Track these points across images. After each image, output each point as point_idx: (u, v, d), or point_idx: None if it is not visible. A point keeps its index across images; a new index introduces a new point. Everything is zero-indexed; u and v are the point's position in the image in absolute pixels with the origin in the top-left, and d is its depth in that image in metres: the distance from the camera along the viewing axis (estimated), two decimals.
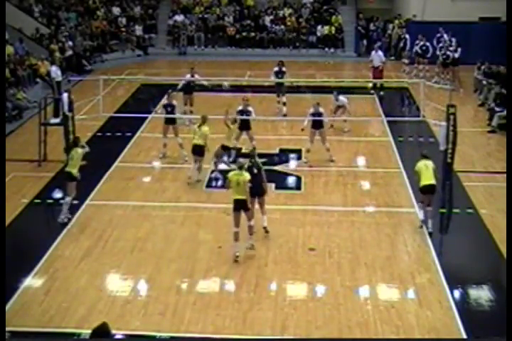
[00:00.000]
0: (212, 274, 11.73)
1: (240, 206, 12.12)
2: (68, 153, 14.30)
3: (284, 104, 20.21)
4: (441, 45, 24.79)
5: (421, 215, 13.43)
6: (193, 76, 19.59)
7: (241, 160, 13.32)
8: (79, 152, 13.74)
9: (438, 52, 24.53)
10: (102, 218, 13.87)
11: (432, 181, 12.99)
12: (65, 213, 13.66)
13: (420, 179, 13.08)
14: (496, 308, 10.79)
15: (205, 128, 15.23)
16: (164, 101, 16.99)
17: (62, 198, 14.08)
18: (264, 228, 13.04)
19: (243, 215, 12.23)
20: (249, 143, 16.85)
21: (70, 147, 14.49)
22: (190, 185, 15.34)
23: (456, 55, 23.77)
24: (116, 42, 29.74)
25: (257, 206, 13.03)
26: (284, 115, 19.96)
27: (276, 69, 20.22)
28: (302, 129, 16.80)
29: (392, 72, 25.50)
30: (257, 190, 12.71)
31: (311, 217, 13.99)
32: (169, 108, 16.86)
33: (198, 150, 15.24)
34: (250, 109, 16.78)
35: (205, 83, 18.87)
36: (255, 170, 12.73)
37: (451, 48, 24.00)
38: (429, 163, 13.13)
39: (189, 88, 19.75)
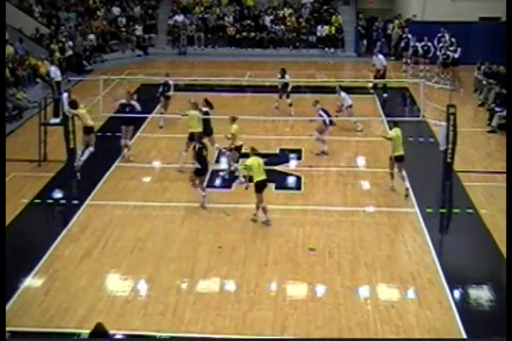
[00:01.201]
0: (212, 274, 11.73)
1: (263, 187, 13.37)
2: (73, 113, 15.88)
3: (290, 104, 20.25)
4: (441, 45, 24.80)
5: (405, 184, 14.71)
6: (166, 81, 19.60)
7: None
8: (84, 110, 15.94)
9: (438, 53, 24.55)
10: (102, 218, 13.87)
11: (402, 152, 14.83)
12: (82, 161, 15.72)
13: (394, 148, 14.77)
14: (496, 308, 10.79)
15: (233, 126, 15.38)
16: (123, 100, 16.90)
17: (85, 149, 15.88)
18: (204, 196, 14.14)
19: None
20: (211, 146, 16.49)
21: (72, 108, 15.94)
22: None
23: (456, 55, 23.76)
24: (116, 42, 29.73)
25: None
26: (290, 115, 20.08)
27: (279, 76, 20.26)
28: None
29: (392, 72, 25.47)
30: (206, 170, 14.43)
31: (311, 217, 13.99)
32: (127, 108, 16.75)
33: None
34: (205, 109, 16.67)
35: (170, 93, 19.50)
36: (205, 152, 14.17)
37: (451, 48, 24.00)
38: (400, 132, 14.91)
39: (163, 92, 19.80)
